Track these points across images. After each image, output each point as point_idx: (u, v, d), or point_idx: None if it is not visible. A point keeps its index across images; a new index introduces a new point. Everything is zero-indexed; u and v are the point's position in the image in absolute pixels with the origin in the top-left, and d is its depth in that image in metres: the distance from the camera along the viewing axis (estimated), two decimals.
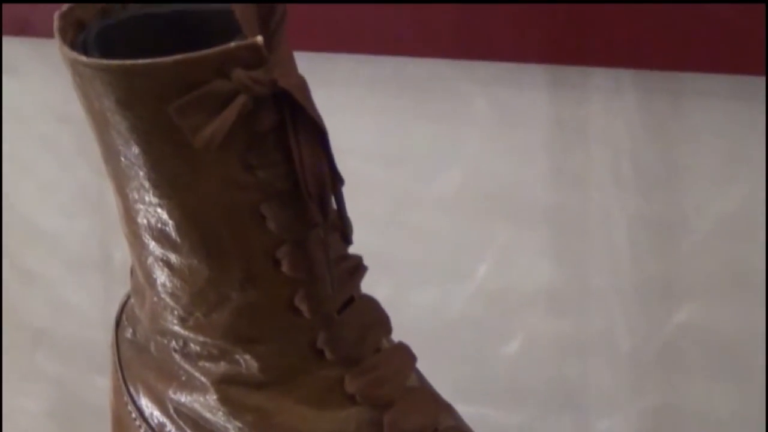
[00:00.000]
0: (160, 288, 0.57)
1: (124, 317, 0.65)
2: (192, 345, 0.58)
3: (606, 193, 0.85)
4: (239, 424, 0.57)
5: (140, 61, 0.49)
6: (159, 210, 0.54)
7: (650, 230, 0.85)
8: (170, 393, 0.60)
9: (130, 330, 0.63)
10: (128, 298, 0.64)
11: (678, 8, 0.76)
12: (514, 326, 0.92)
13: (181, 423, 0.59)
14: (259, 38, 0.49)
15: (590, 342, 0.89)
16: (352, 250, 0.58)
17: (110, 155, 0.54)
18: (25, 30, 0.99)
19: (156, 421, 0.61)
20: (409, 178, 0.92)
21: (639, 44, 0.79)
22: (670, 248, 0.84)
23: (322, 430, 0.57)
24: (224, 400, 0.58)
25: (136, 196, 0.55)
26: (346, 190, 0.55)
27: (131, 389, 0.63)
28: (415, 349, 0.59)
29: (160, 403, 0.61)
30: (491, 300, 0.92)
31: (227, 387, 0.57)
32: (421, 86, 0.88)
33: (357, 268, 0.58)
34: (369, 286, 0.59)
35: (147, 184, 0.53)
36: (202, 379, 0.58)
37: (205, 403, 0.58)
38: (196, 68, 0.49)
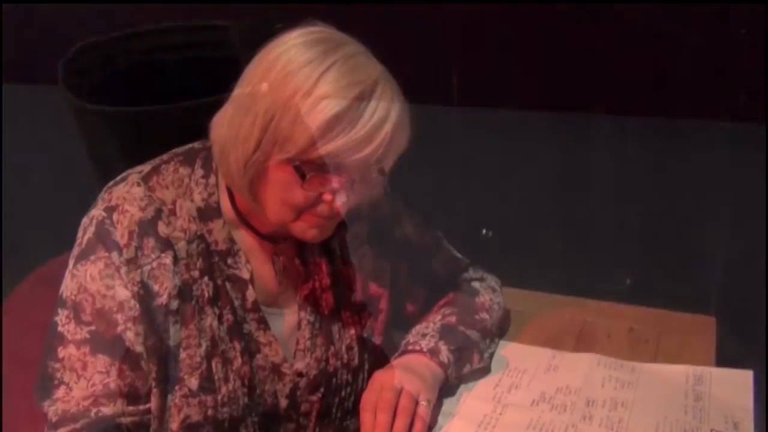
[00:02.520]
0: None
1: None
2: None
3: (608, 238, 0.85)
4: None
5: (144, 108, 0.49)
6: None
7: (654, 277, 0.84)
8: None
9: None
10: None
11: (682, 57, 0.76)
12: None
13: None
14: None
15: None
16: None
17: None
18: (28, 77, 0.99)
19: None
20: None
21: (642, 92, 0.79)
22: (675, 295, 0.84)
23: None
24: None
25: None
26: None
27: None
28: None
29: None
30: None
31: None
32: (425, 133, 0.88)
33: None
34: None
35: None
36: None
37: None
38: (200, 114, 0.49)
